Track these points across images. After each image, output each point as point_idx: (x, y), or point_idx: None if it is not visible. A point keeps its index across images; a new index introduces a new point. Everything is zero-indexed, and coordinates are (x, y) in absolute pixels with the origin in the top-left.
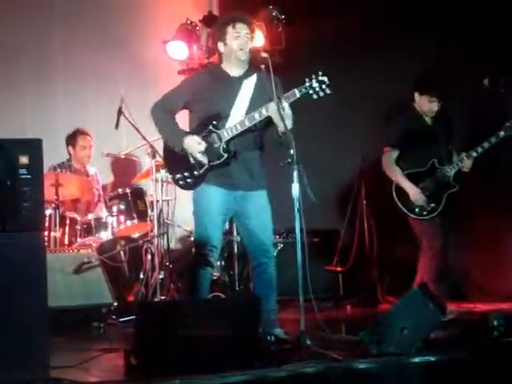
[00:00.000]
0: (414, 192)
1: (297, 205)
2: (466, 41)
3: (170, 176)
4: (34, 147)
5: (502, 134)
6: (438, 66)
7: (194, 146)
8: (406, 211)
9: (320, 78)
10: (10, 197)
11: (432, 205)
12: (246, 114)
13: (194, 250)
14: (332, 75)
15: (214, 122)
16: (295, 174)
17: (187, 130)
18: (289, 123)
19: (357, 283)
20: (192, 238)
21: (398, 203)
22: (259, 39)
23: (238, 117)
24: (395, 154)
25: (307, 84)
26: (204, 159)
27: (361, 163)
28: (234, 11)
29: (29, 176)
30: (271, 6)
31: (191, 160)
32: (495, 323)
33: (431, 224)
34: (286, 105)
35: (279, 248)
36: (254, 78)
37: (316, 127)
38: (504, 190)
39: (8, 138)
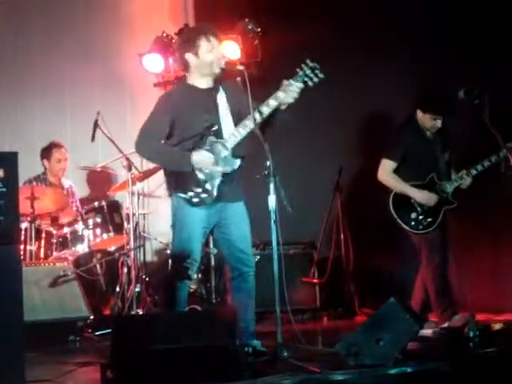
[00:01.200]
0: (420, 195)
1: (273, 217)
2: (443, 54)
3: (182, 196)
4: (9, 160)
5: (503, 152)
6: (416, 78)
7: (204, 159)
8: (402, 224)
9: (311, 65)
10: None
11: (429, 219)
12: (234, 123)
13: (171, 262)
14: (309, 87)
15: (215, 133)
16: (271, 185)
17: None
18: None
19: (333, 295)
20: (168, 251)
21: (394, 216)
22: (235, 52)
23: (229, 126)
24: (393, 166)
25: (301, 73)
26: (218, 168)
27: (337, 175)
28: (204, 23)
29: (4, 189)
30: (247, 19)
31: (200, 175)
32: (471, 334)
33: (431, 239)
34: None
35: (256, 260)
36: (222, 91)
37: (292, 138)
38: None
39: None
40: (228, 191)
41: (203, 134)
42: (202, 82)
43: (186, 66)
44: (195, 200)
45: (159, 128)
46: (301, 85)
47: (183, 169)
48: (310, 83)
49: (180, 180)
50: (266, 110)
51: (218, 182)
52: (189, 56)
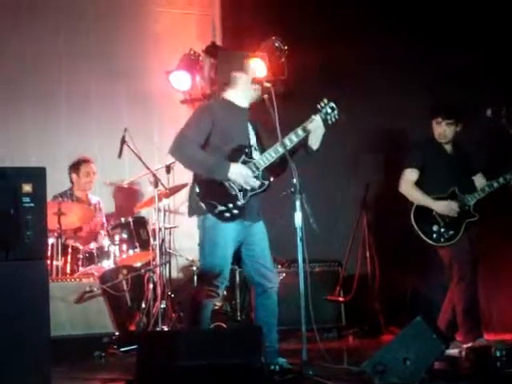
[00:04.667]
0: (442, 205)
1: (299, 234)
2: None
3: (213, 210)
4: (37, 175)
5: None
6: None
7: (242, 172)
8: (423, 236)
9: (330, 105)
10: (14, 225)
11: (451, 232)
12: (258, 145)
13: (198, 280)
14: (339, 101)
15: (248, 152)
16: (298, 203)
17: None
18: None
19: (359, 313)
20: (194, 268)
21: (416, 228)
22: (262, 69)
23: (257, 149)
24: (414, 175)
25: (323, 110)
26: (256, 183)
27: (364, 192)
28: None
29: (32, 204)
30: (274, 37)
31: (232, 191)
32: (498, 354)
33: (462, 255)
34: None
35: (281, 278)
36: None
37: (319, 156)
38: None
39: (11, 166)
40: (254, 210)
41: (236, 151)
42: (241, 101)
43: (231, 83)
44: (226, 215)
45: (199, 133)
46: (320, 120)
47: (218, 177)
48: (330, 121)
49: (211, 193)
50: (294, 138)
51: (248, 199)
52: (237, 74)
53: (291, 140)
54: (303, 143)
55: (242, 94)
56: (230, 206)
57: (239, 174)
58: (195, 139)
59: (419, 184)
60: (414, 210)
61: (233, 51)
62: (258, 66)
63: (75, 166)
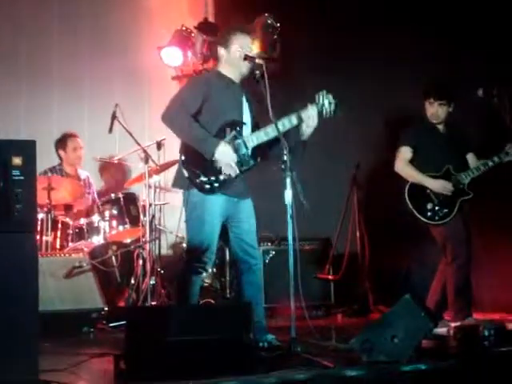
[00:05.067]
0: (436, 183)
1: (290, 211)
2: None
3: (196, 179)
4: (27, 148)
5: None
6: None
7: (228, 155)
8: (417, 214)
9: (330, 99)
10: (3, 198)
11: (445, 210)
12: (252, 123)
13: (186, 256)
14: (327, 83)
15: (238, 129)
16: (288, 180)
17: None
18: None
19: (349, 292)
20: (184, 245)
21: (409, 206)
22: (254, 46)
23: (248, 126)
24: (408, 153)
25: (321, 101)
26: (236, 169)
27: (354, 171)
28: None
29: (22, 177)
30: (266, 14)
31: (216, 165)
32: (486, 333)
33: (457, 234)
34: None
35: (271, 255)
36: (244, 94)
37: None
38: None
39: (1, 139)
40: (242, 187)
41: (227, 126)
42: (234, 76)
43: (218, 59)
44: (206, 186)
45: (193, 102)
46: (315, 111)
47: (204, 151)
48: (325, 115)
49: (198, 163)
50: (287, 123)
51: (231, 177)
52: (221, 50)
53: (284, 125)
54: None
55: (229, 69)
56: (212, 178)
57: (225, 156)
58: (188, 107)
59: (413, 162)
60: (408, 187)
61: (232, 25)
62: (247, 43)
63: (62, 142)
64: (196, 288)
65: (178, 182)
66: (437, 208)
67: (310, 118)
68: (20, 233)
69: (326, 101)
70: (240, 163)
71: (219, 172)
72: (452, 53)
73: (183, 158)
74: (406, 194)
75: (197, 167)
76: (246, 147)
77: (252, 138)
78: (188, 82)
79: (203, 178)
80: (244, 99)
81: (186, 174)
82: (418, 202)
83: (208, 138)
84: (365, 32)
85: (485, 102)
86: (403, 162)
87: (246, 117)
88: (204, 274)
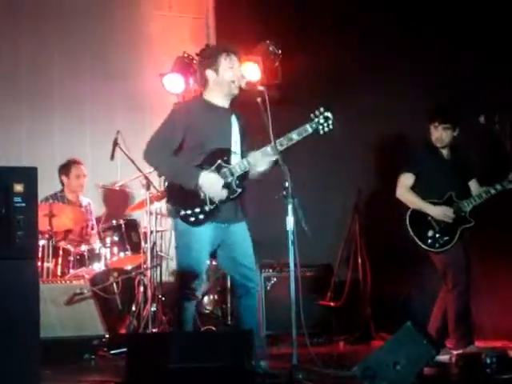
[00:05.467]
0: (436, 211)
1: (291, 238)
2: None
3: (179, 212)
4: (29, 175)
5: None
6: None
7: (213, 183)
8: (418, 241)
9: (325, 114)
10: (4, 224)
11: (446, 238)
12: (241, 149)
13: (177, 282)
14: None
15: (225, 158)
16: (290, 207)
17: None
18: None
19: (350, 319)
20: None
21: (410, 233)
22: (256, 73)
23: (237, 152)
24: (410, 179)
25: (315, 120)
26: (223, 196)
27: (356, 198)
28: (226, 43)
29: (23, 204)
30: (268, 41)
31: (201, 195)
32: (488, 361)
33: (457, 261)
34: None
35: (272, 282)
36: (234, 117)
37: (311, 161)
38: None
39: (3, 166)
40: (231, 213)
41: (213, 155)
42: (220, 101)
43: (205, 83)
44: (191, 219)
45: (171, 138)
46: (310, 131)
47: (187, 185)
48: (321, 132)
49: (181, 197)
50: (278, 147)
51: (216, 205)
52: (209, 72)
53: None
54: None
55: (216, 93)
56: (197, 210)
57: (211, 185)
58: (166, 144)
59: (415, 189)
60: (409, 214)
61: (212, 45)
62: (235, 63)
63: (65, 168)
64: (188, 314)
65: (168, 212)
66: (437, 235)
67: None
68: (21, 259)
69: (322, 118)
70: (226, 192)
71: (204, 203)
72: (454, 78)
73: (167, 191)
74: (408, 221)
75: (181, 200)
76: (233, 175)
77: (239, 166)
78: (168, 115)
79: (188, 211)
80: (233, 124)
81: (171, 206)
82: (419, 228)
83: (189, 170)
84: (366, 57)
85: (486, 128)
86: (404, 188)
87: (235, 143)
88: (195, 301)
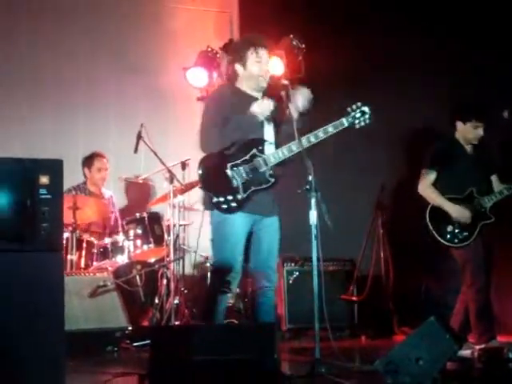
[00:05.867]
0: (456, 209)
1: (314, 232)
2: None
3: (212, 199)
4: (54, 167)
5: None
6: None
7: (266, 107)
8: (437, 236)
9: (362, 108)
10: (30, 216)
11: (465, 233)
12: (275, 139)
13: (211, 275)
14: (352, 102)
15: (260, 147)
16: (313, 201)
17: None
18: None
19: (372, 313)
20: (208, 264)
21: (430, 228)
22: (279, 67)
23: (272, 142)
24: (432, 175)
25: (352, 114)
26: (253, 182)
27: (379, 192)
28: (256, 35)
29: (49, 196)
30: (291, 35)
31: (234, 183)
32: (510, 355)
33: (476, 258)
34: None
35: (295, 276)
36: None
37: (334, 154)
38: None
39: (29, 158)
40: (264, 205)
41: (248, 144)
42: (253, 92)
43: (235, 76)
44: (224, 206)
45: (217, 120)
46: (345, 125)
47: (245, 120)
48: (357, 126)
49: (214, 184)
50: (313, 139)
51: (250, 193)
52: (237, 66)
53: (309, 140)
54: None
55: (246, 86)
56: (229, 198)
57: (263, 106)
58: (214, 126)
59: (437, 184)
60: (429, 209)
61: (241, 38)
62: (263, 56)
63: (88, 161)
64: (221, 307)
65: (204, 203)
66: (457, 231)
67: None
68: (47, 252)
69: (359, 112)
70: (259, 182)
71: (236, 191)
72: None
73: (201, 179)
74: (427, 216)
75: (214, 188)
76: (267, 165)
77: (274, 156)
78: (205, 104)
79: (221, 199)
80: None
81: (205, 195)
82: (439, 224)
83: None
84: (390, 51)
85: (510, 123)
86: (426, 184)
87: (269, 133)
88: (228, 294)
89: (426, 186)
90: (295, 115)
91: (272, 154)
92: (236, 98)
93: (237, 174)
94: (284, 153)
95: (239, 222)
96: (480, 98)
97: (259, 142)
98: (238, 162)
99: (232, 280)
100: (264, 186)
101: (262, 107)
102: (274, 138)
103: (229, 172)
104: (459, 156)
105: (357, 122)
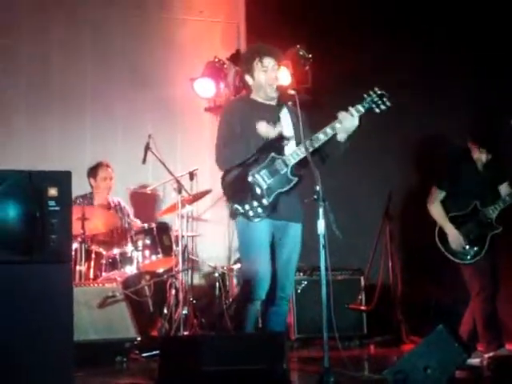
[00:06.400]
0: (452, 235)
1: (322, 241)
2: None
3: (237, 208)
4: (63, 179)
5: None
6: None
7: (269, 130)
8: (449, 256)
9: (379, 92)
10: (39, 228)
11: (475, 248)
12: (295, 142)
13: (241, 283)
14: (375, 112)
15: (277, 149)
16: (321, 210)
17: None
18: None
19: (381, 322)
20: (216, 274)
21: (440, 246)
22: (286, 77)
23: (291, 144)
24: (441, 195)
25: (368, 98)
26: (276, 185)
27: (387, 201)
28: (262, 44)
29: (57, 208)
30: (298, 45)
31: (257, 190)
32: None
33: (482, 268)
34: (355, 115)
35: (303, 285)
36: (286, 109)
37: (342, 164)
38: None
39: (38, 170)
40: (289, 210)
41: (265, 148)
42: (266, 100)
43: (247, 87)
44: (251, 213)
45: (232, 134)
46: (362, 110)
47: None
48: (377, 110)
49: (238, 194)
50: (322, 136)
51: (275, 197)
52: (247, 77)
53: (318, 139)
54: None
55: (258, 95)
56: (255, 204)
57: (267, 131)
58: (224, 147)
59: (446, 201)
60: (438, 229)
61: (248, 48)
62: (270, 66)
63: (93, 171)
64: (250, 315)
65: (230, 215)
66: (467, 247)
67: (344, 118)
68: (56, 263)
69: (375, 96)
70: (282, 183)
71: (261, 197)
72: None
73: (225, 191)
74: (437, 236)
75: (238, 199)
76: (287, 165)
77: (292, 156)
78: (220, 116)
79: (246, 207)
80: (282, 117)
81: (230, 205)
82: (448, 243)
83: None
84: (399, 60)
85: None
86: (434, 202)
87: (288, 132)
88: (259, 302)
89: (434, 205)
90: (343, 137)
91: (291, 154)
92: (247, 107)
93: (258, 180)
94: (302, 151)
95: (262, 227)
96: (493, 109)
97: (276, 144)
98: (258, 168)
99: (259, 287)
100: (287, 187)
101: (267, 130)
102: (294, 133)
103: (250, 180)
104: (470, 175)
105: (375, 105)
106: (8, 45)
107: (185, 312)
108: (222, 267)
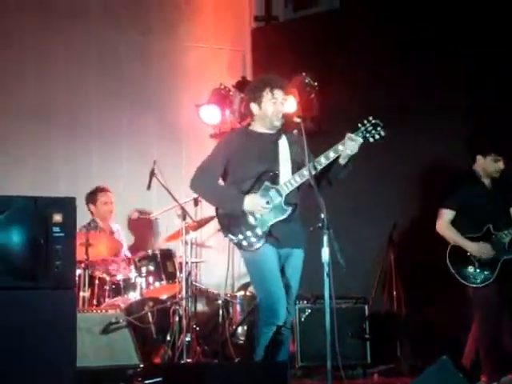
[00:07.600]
0: (476, 247)
1: (326, 269)
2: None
3: (232, 239)
4: (67, 205)
5: None
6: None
7: (256, 204)
8: (459, 278)
9: (373, 121)
10: (43, 254)
11: (486, 272)
12: (293, 171)
13: (260, 309)
14: (368, 142)
15: (272, 179)
16: (325, 238)
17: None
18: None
19: (385, 351)
20: (220, 301)
21: (450, 267)
22: (292, 105)
23: (286, 174)
24: (450, 215)
25: (362, 128)
26: (270, 215)
27: (391, 229)
28: (270, 74)
29: (62, 234)
30: (304, 73)
31: (250, 220)
32: None
33: (488, 296)
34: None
35: (307, 313)
36: (284, 138)
37: (346, 192)
38: None
39: (43, 196)
40: (290, 237)
41: (259, 178)
42: (265, 130)
43: (251, 115)
44: (244, 243)
45: (214, 169)
46: (360, 140)
47: (234, 211)
48: (371, 139)
49: (232, 223)
50: (323, 161)
51: (268, 228)
52: (253, 106)
53: (320, 163)
54: (327, 170)
55: (261, 125)
56: (249, 234)
57: (254, 205)
58: (212, 171)
59: (455, 223)
60: (449, 250)
61: (259, 77)
62: (279, 97)
63: (92, 196)
64: (265, 340)
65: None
66: (478, 270)
67: (349, 145)
68: (60, 289)
69: (370, 126)
70: (276, 214)
71: (254, 227)
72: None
73: (219, 221)
74: (448, 258)
75: (231, 229)
76: (281, 195)
77: (286, 185)
78: (215, 146)
79: (240, 237)
80: (280, 146)
81: (225, 235)
82: (460, 265)
83: (233, 196)
84: (403, 88)
85: None
86: (444, 223)
87: (284, 164)
88: (273, 326)
89: (445, 226)
90: (344, 161)
91: (285, 183)
92: (243, 140)
93: (250, 212)
94: (296, 180)
95: (266, 251)
96: (495, 130)
97: (271, 174)
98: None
99: (274, 310)
100: (282, 217)
101: (252, 205)
102: (291, 164)
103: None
104: (478, 193)
105: (368, 135)
106: (15, 63)
107: (188, 339)
108: (226, 294)
